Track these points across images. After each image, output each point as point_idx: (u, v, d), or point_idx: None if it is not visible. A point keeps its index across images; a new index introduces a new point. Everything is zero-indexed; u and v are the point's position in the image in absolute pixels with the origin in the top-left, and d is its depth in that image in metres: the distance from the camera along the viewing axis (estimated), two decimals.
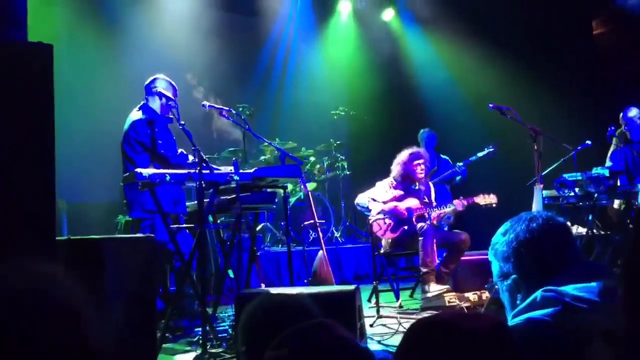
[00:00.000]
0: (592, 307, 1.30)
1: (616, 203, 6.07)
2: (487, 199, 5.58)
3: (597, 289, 1.33)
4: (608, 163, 6.45)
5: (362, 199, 5.74)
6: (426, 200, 5.71)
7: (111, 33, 7.99)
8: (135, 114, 4.58)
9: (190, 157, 4.55)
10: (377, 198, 5.65)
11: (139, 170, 3.64)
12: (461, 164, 7.16)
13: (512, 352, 1.03)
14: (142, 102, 4.68)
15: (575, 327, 1.27)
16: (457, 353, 0.98)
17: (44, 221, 2.32)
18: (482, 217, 5.82)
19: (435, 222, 5.58)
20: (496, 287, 1.59)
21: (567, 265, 1.45)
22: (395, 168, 5.71)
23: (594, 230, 6.01)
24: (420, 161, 5.65)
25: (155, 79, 4.68)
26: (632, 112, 6.34)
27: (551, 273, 1.44)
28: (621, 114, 6.38)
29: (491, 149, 7.09)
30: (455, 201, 5.60)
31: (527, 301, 1.40)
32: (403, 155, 5.69)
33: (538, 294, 1.38)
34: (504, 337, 1.04)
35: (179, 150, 4.62)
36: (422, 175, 5.69)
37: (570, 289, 1.34)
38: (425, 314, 4.89)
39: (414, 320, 1.20)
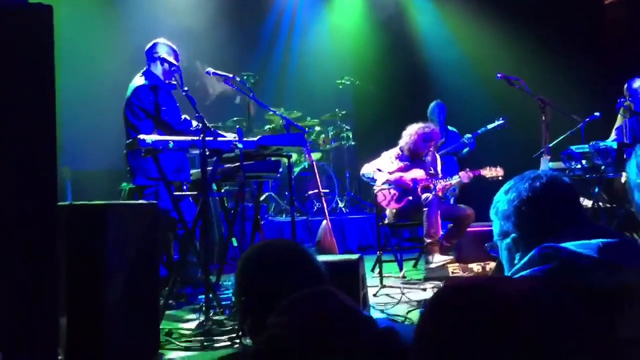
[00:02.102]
0: (590, 263, 1.26)
1: (624, 176, 6.01)
2: (493, 172, 5.55)
3: (597, 245, 1.29)
4: (612, 136, 6.38)
5: (367, 169, 5.70)
6: (432, 171, 5.68)
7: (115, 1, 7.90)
8: (138, 80, 4.53)
9: (194, 123, 4.51)
10: (383, 168, 5.61)
11: (141, 136, 3.60)
12: (470, 135, 7.10)
13: (548, 317, 0.99)
14: (144, 68, 4.62)
15: (570, 284, 1.24)
16: (489, 318, 0.93)
17: (46, 186, 2.30)
18: (488, 189, 5.75)
19: (440, 193, 5.55)
20: (495, 245, 1.56)
21: (569, 225, 1.42)
22: (405, 140, 5.64)
23: (600, 203, 5.97)
24: (433, 142, 5.65)
25: (156, 44, 4.60)
26: (637, 83, 6.22)
27: (551, 232, 1.40)
28: (625, 85, 6.27)
29: (501, 121, 7.01)
30: (461, 173, 5.56)
31: (525, 259, 1.37)
32: (417, 129, 5.59)
33: (535, 251, 1.34)
34: (539, 301, 1.00)
35: (183, 117, 4.57)
36: (430, 153, 5.70)
37: (569, 245, 1.31)
38: (430, 284, 4.90)
39: (441, 285, 1.16)
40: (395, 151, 5.72)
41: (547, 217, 1.45)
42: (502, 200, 1.53)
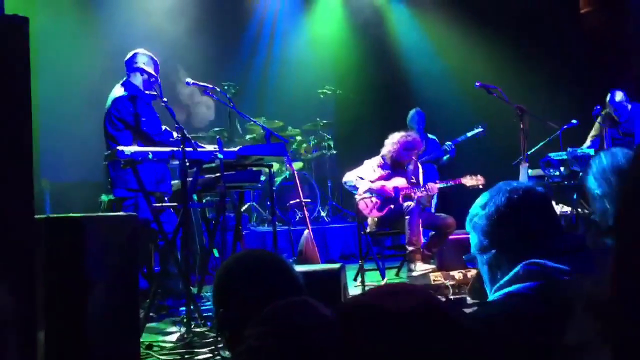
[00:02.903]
0: (573, 278, 1.28)
1: None
2: (474, 180, 5.58)
3: (576, 259, 1.31)
4: (587, 143, 6.48)
5: (349, 177, 5.72)
6: (413, 180, 5.70)
7: (90, 6, 7.86)
8: (117, 91, 4.50)
9: (175, 134, 4.49)
10: (365, 177, 5.63)
11: (120, 148, 3.58)
12: (450, 143, 7.15)
13: (440, 329, 1.03)
14: (124, 79, 4.60)
15: (558, 300, 1.26)
16: (382, 334, 0.98)
17: (22, 199, 2.27)
18: (468, 197, 5.80)
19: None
20: (474, 258, 1.56)
21: (548, 238, 1.43)
22: (387, 148, 5.66)
23: (579, 209, 6.05)
24: (415, 151, 5.67)
25: (135, 54, 4.58)
26: (619, 96, 6.36)
27: (532, 246, 1.41)
28: (608, 100, 6.40)
29: (480, 129, 7.06)
30: (429, 184, 5.59)
31: (509, 275, 1.37)
32: (399, 138, 5.61)
33: (520, 267, 1.36)
34: (428, 314, 1.04)
35: (163, 127, 4.54)
36: (412, 161, 5.73)
37: (551, 260, 1.32)
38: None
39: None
40: (377, 160, 5.74)
41: (526, 231, 1.45)
42: (479, 215, 1.52)
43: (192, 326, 3.56)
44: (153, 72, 4.48)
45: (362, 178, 5.63)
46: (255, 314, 1.39)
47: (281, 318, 1.33)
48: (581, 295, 1.19)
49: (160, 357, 3.30)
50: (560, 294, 1.25)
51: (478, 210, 1.53)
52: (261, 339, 1.30)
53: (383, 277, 5.45)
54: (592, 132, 6.56)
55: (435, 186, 5.56)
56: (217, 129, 7.62)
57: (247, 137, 7.84)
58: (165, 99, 3.97)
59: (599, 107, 6.43)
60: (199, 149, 3.83)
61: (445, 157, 7.23)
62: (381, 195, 5.52)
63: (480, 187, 5.56)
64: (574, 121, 6.26)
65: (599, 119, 6.49)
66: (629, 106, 6.38)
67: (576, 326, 0.86)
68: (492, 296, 1.43)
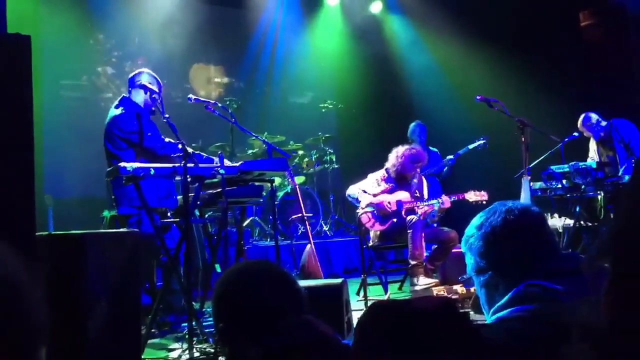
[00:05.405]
0: (572, 299, 1.27)
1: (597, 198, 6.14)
2: (477, 196, 5.57)
3: (577, 280, 1.29)
4: (590, 160, 6.49)
5: (353, 190, 5.71)
6: (417, 194, 5.70)
7: (97, 25, 7.91)
8: (115, 110, 4.48)
9: (180, 147, 4.47)
10: (368, 190, 5.63)
11: (122, 164, 3.58)
12: (451, 157, 7.15)
13: (460, 328, 1.07)
14: (122, 96, 4.59)
15: (556, 322, 1.24)
16: (405, 331, 1.02)
17: (23, 216, 2.28)
18: (471, 211, 5.80)
19: (422, 217, 5.57)
20: (470, 279, 1.53)
21: (545, 259, 1.41)
22: (392, 162, 5.65)
23: (581, 222, 6.03)
24: (420, 164, 5.67)
25: (139, 73, 4.59)
26: (592, 118, 6.36)
27: (529, 267, 1.38)
28: (580, 122, 6.40)
29: (482, 141, 7.06)
30: (444, 197, 5.59)
31: (508, 296, 1.35)
32: (404, 151, 5.61)
33: (519, 288, 1.34)
34: (449, 313, 1.07)
35: (167, 140, 4.52)
36: (416, 175, 5.73)
37: (550, 282, 1.31)
38: None
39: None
40: (381, 173, 5.73)
41: (523, 253, 1.42)
42: (475, 236, 1.49)
43: (194, 342, 3.55)
44: (155, 89, 4.48)
45: (365, 191, 5.63)
46: (255, 328, 1.37)
47: (280, 339, 1.31)
48: (580, 317, 1.18)
49: None
50: (558, 317, 1.24)
51: (473, 231, 1.49)
52: None
53: (386, 291, 5.43)
54: (590, 155, 6.58)
55: (449, 200, 5.55)
56: (218, 144, 7.64)
57: (249, 152, 7.86)
58: (167, 115, 3.98)
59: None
60: (201, 164, 3.83)
61: (445, 169, 7.23)
62: (380, 211, 5.51)
63: (484, 202, 5.55)
64: (575, 134, 6.27)
65: (591, 140, 6.52)
66: (603, 123, 6.34)
67: (572, 354, 0.85)
68: (489, 319, 1.41)
